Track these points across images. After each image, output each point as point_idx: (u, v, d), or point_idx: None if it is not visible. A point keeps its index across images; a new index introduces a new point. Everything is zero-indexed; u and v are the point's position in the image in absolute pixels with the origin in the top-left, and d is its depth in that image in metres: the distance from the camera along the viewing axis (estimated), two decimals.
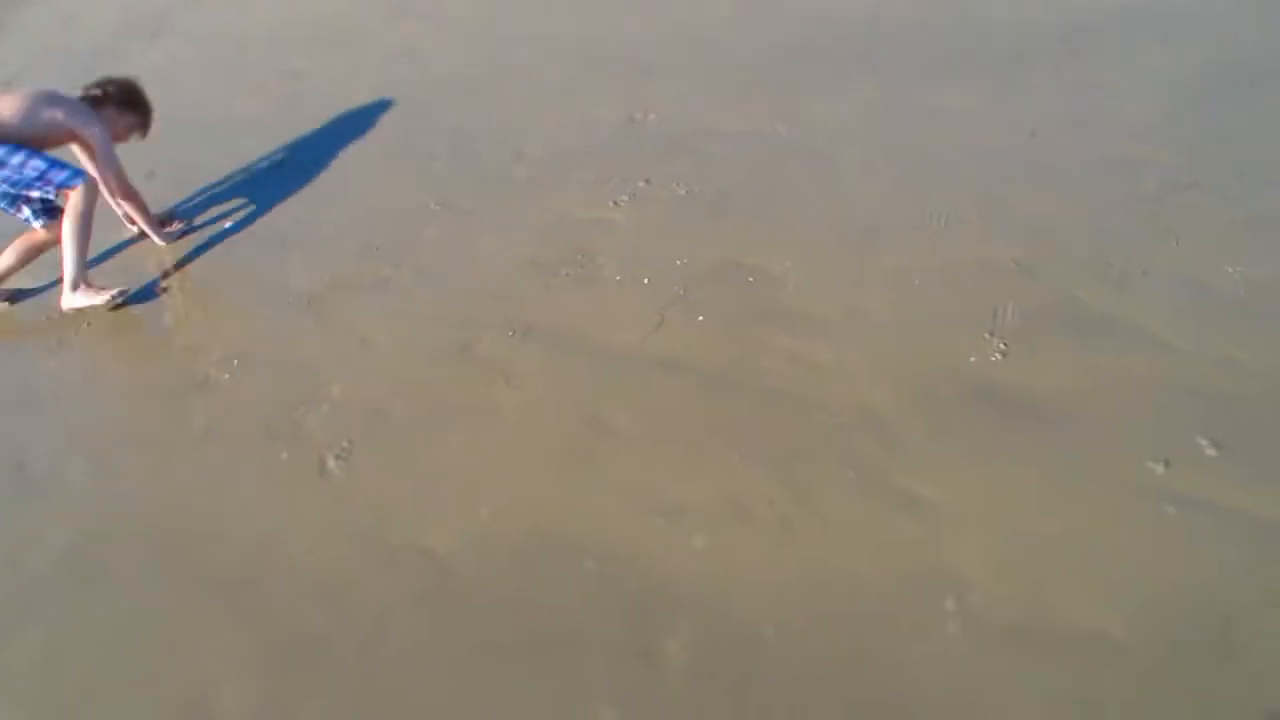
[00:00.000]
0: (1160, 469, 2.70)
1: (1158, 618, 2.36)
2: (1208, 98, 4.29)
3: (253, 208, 4.65)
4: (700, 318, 3.48)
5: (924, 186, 3.98)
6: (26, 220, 4.29)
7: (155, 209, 4.63)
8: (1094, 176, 3.90)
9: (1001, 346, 3.16)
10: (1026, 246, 3.57)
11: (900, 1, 5.42)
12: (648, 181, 4.26)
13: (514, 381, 3.37)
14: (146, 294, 4.22)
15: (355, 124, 5.20)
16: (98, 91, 4.39)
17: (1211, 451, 2.73)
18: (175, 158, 5.17)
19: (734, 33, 5.50)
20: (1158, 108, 4.25)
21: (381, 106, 5.38)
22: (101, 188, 4.29)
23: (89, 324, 4.09)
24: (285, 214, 4.56)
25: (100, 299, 4.07)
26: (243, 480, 3.20)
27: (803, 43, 5.25)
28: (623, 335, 3.47)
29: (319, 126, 5.28)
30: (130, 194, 4.40)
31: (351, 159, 4.90)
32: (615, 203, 4.17)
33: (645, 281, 3.70)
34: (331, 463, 3.18)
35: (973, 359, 3.13)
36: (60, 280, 4.18)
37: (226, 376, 3.64)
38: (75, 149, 4.40)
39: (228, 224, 4.53)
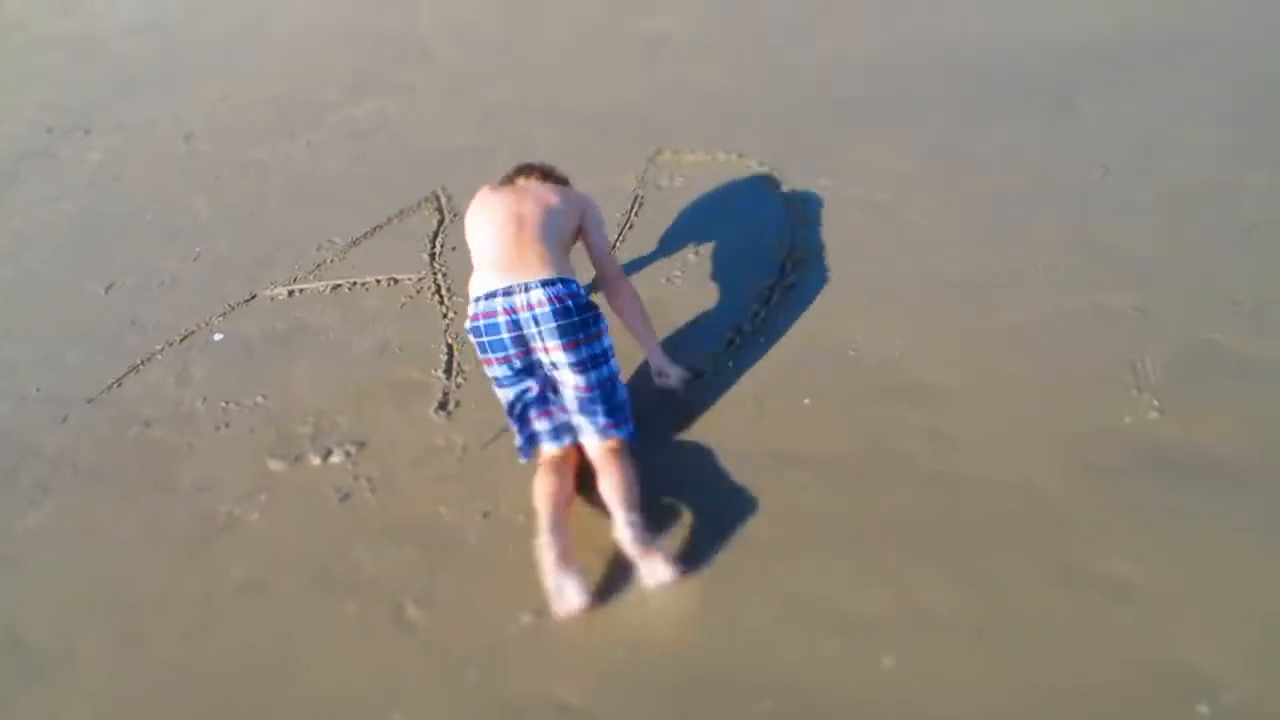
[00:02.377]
0: None
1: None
2: (1264, 117, 4.07)
3: (243, 315, 4.08)
4: (806, 400, 3.05)
5: (1006, 233, 3.68)
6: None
7: (121, 321, 4.07)
8: (1184, 208, 3.64)
9: (1155, 403, 2.84)
10: (1141, 290, 3.29)
11: (913, 43, 5.14)
12: (698, 253, 3.84)
13: None
14: (128, 422, 3.60)
15: (335, 211, 4.67)
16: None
17: None
18: (138, 263, 4.60)
19: (744, 85, 5.16)
20: (1220, 131, 4.03)
21: (362, 187, 4.88)
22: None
23: (74, 467, 3.46)
24: (283, 316, 4.01)
25: None
26: (305, 640, 2.64)
27: (821, 92, 4.93)
28: (724, 427, 3.02)
29: (291, 219, 4.75)
30: None
31: (342, 248, 4.38)
32: (668, 279, 3.74)
33: (730, 364, 3.27)
34: (411, 610, 2.64)
35: (1128, 419, 2.81)
36: None
37: (255, 516, 3.07)
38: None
39: (217, 335, 3.97)
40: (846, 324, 3.37)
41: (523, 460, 2.98)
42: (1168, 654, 2.23)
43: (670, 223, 4.11)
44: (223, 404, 3.55)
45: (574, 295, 2.99)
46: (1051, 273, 3.44)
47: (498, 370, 3.03)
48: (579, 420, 2.96)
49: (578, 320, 2.97)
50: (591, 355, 2.99)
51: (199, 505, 3.14)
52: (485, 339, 3.01)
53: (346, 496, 3.07)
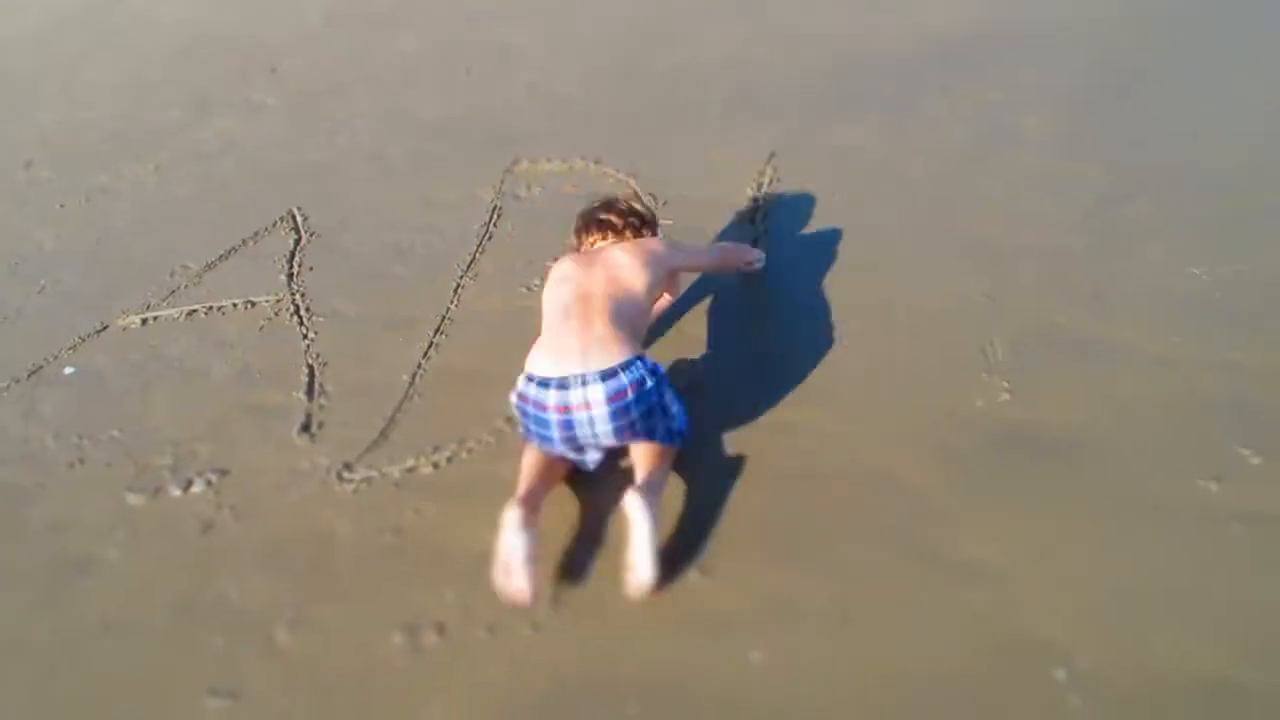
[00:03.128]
0: (1214, 487, 2.61)
1: (1267, 645, 2.24)
2: (1100, 107, 4.30)
3: (95, 346, 3.96)
4: None
5: (859, 228, 3.78)
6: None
7: None
8: (1027, 197, 3.80)
9: (1005, 385, 2.98)
10: (989, 277, 3.42)
11: (765, 42, 5.27)
12: (556, 259, 3.86)
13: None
14: None
15: (188, 235, 4.56)
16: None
17: (1256, 460, 2.66)
18: None
19: (597, 92, 5.21)
20: (1058, 121, 4.23)
21: (215, 209, 4.77)
22: None
23: None
24: (137, 346, 3.90)
25: None
26: (170, 677, 2.59)
27: (675, 97, 5.01)
28: None
29: (142, 245, 4.61)
30: None
31: (196, 272, 4.28)
32: (528, 288, 3.77)
33: None
34: (281, 636, 2.62)
35: (980, 403, 2.95)
36: None
37: (114, 553, 2.98)
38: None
39: (68, 369, 3.84)
40: (701, 324, 3.44)
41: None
42: (1022, 626, 2.34)
43: (529, 232, 4.13)
44: (75, 439, 3.45)
45: (638, 384, 2.73)
46: (903, 264, 3.57)
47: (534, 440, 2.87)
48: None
49: (637, 416, 2.74)
50: (647, 430, 2.81)
51: (53, 546, 3.04)
52: (533, 428, 2.82)
53: (209, 527, 3.02)
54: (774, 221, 3.93)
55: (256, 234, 4.48)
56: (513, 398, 2.85)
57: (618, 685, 2.37)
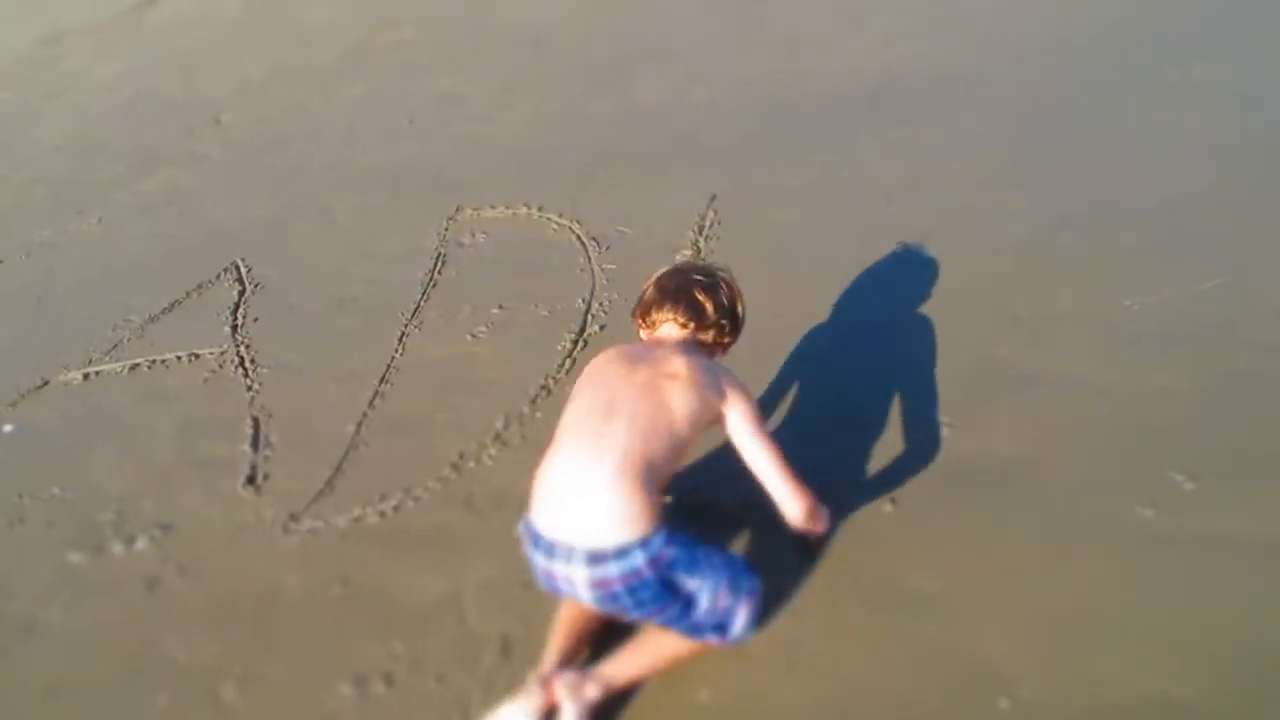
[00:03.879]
0: (1150, 513, 2.67)
1: (1206, 664, 2.29)
2: (1029, 144, 4.43)
3: (36, 403, 3.92)
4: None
5: (796, 269, 3.86)
6: None
7: None
8: (960, 232, 3.90)
9: (946, 419, 3.03)
10: (927, 311, 3.49)
11: (697, 93, 5.36)
12: (502, 307, 3.91)
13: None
14: None
15: (131, 288, 4.54)
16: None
17: (1190, 485, 2.73)
18: None
19: (538, 138, 5.26)
20: (985, 159, 4.34)
21: (159, 262, 4.75)
22: None
23: None
24: (79, 401, 3.87)
25: None
26: None
27: (615, 142, 5.08)
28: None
29: (84, 300, 4.58)
30: None
31: (139, 326, 4.25)
32: (473, 335, 3.79)
33: (538, 416, 3.34)
34: (228, 693, 2.60)
35: (921, 436, 2.98)
36: None
37: (57, 615, 2.95)
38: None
39: (7, 427, 3.80)
40: None
41: None
42: (968, 657, 2.38)
43: (474, 279, 4.16)
44: (16, 498, 3.41)
45: (629, 577, 2.21)
46: (840, 304, 3.64)
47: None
48: None
49: (630, 605, 2.26)
50: (655, 618, 2.32)
51: None
52: (531, 564, 2.39)
53: (155, 584, 2.99)
54: (715, 262, 3.98)
55: (200, 286, 4.47)
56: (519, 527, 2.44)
57: None
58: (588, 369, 2.54)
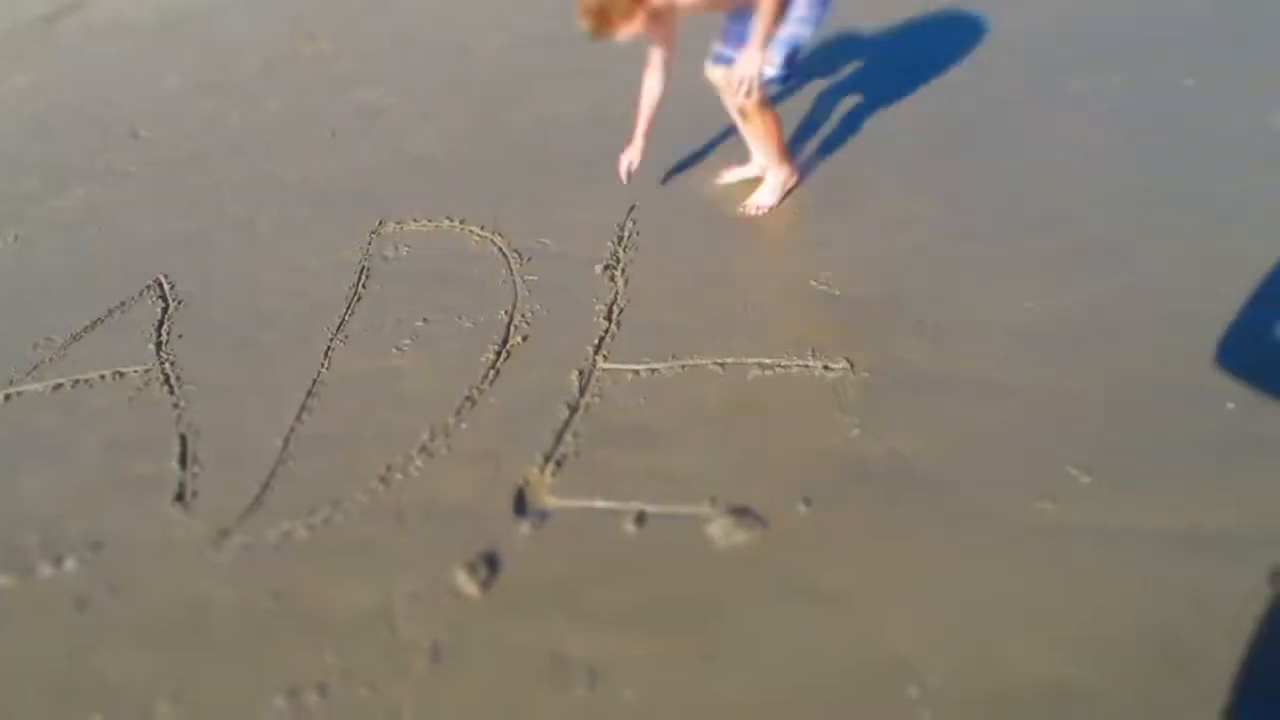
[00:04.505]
0: (1048, 506, 2.81)
1: (1102, 647, 2.45)
2: (937, 153, 4.60)
3: None
4: (539, 462, 3.24)
5: (716, 280, 3.98)
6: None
7: None
8: (871, 240, 4.05)
9: (856, 421, 3.17)
10: (836, 317, 3.63)
11: (617, 106, 5.45)
12: (426, 320, 3.98)
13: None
14: None
15: (51, 307, 4.51)
16: None
17: (1085, 479, 2.87)
18: None
19: (460, 151, 5.33)
20: (897, 167, 4.50)
21: (79, 280, 4.72)
22: None
23: None
24: (0, 423, 3.87)
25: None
26: None
27: (536, 154, 5.17)
28: (460, 489, 3.18)
29: (2, 320, 4.55)
30: None
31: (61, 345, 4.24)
32: (398, 348, 3.85)
33: (463, 427, 3.42)
34: (162, 708, 2.66)
35: (835, 440, 3.12)
36: None
37: None
38: None
39: None
40: (566, 374, 3.58)
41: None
42: (877, 649, 2.52)
43: (397, 293, 4.22)
44: None
45: None
46: (758, 313, 3.76)
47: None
48: None
49: None
50: None
51: None
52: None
53: (84, 604, 3.02)
54: (634, 271, 4.10)
55: (123, 304, 4.47)
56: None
57: None
58: None
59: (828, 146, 4.83)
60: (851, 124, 5.02)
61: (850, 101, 5.26)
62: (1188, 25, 5.61)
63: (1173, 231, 3.89)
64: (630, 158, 4.34)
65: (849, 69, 5.63)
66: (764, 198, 4.34)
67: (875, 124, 4.99)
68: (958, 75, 5.42)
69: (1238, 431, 2.99)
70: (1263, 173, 4.16)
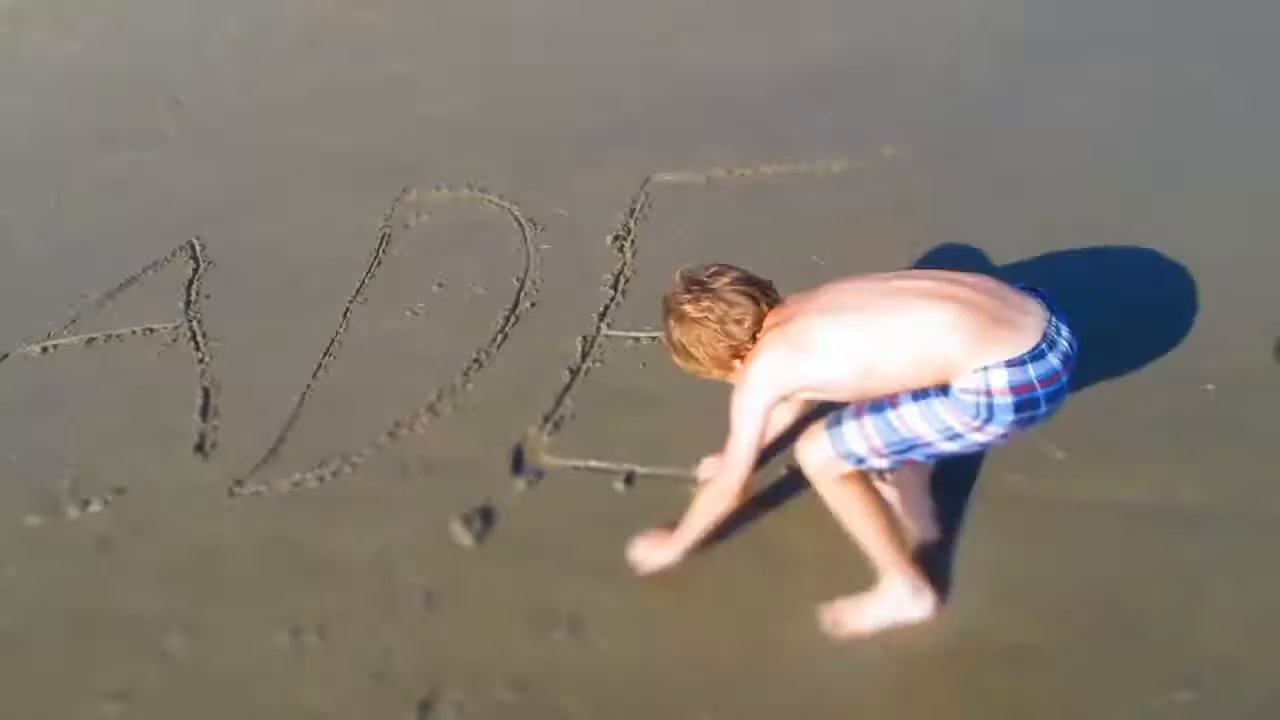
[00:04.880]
0: (1020, 479, 2.89)
1: (1062, 615, 2.58)
2: (950, 129, 4.66)
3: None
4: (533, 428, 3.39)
5: (728, 254, 4.05)
6: None
7: None
8: (882, 219, 4.17)
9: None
10: None
11: (641, 83, 5.59)
12: (441, 285, 4.12)
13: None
14: None
15: (89, 265, 4.70)
16: None
17: (1060, 455, 2.95)
18: None
19: (486, 123, 5.46)
20: (910, 143, 4.59)
21: (116, 239, 4.91)
22: None
23: None
24: (37, 373, 4.06)
25: None
26: (64, 686, 2.77)
27: (560, 127, 5.29)
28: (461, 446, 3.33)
29: (43, 275, 4.75)
30: None
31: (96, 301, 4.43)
32: (412, 311, 4.01)
33: (469, 387, 3.58)
34: (174, 640, 2.86)
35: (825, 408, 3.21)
36: None
37: (13, 572, 3.15)
38: None
39: None
40: (563, 341, 3.71)
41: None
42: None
43: (416, 258, 4.38)
44: None
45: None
46: None
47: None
48: None
49: None
50: None
51: None
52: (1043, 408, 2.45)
53: (107, 543, 3.21)
54: (642, 243, 4.22)
55: (156, 263, 4.65)
56: (993, 398, 2.37)
57: (493, 676, 2.62)
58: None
59: (838, 127, 4.89)
60: (861, 104, 5.07)
61: (859, 84, 5.31)
62: None
63: (1159, 213, 3.96)
64: (654, 558, 2.78)
65: (868, 43, 5.68)
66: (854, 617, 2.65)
67: (885, 102, 5.05)
68: (967, 51, 5.45)
69: (1215, 413, 3.07)
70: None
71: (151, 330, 4.20)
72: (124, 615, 2.96)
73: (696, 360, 2.64)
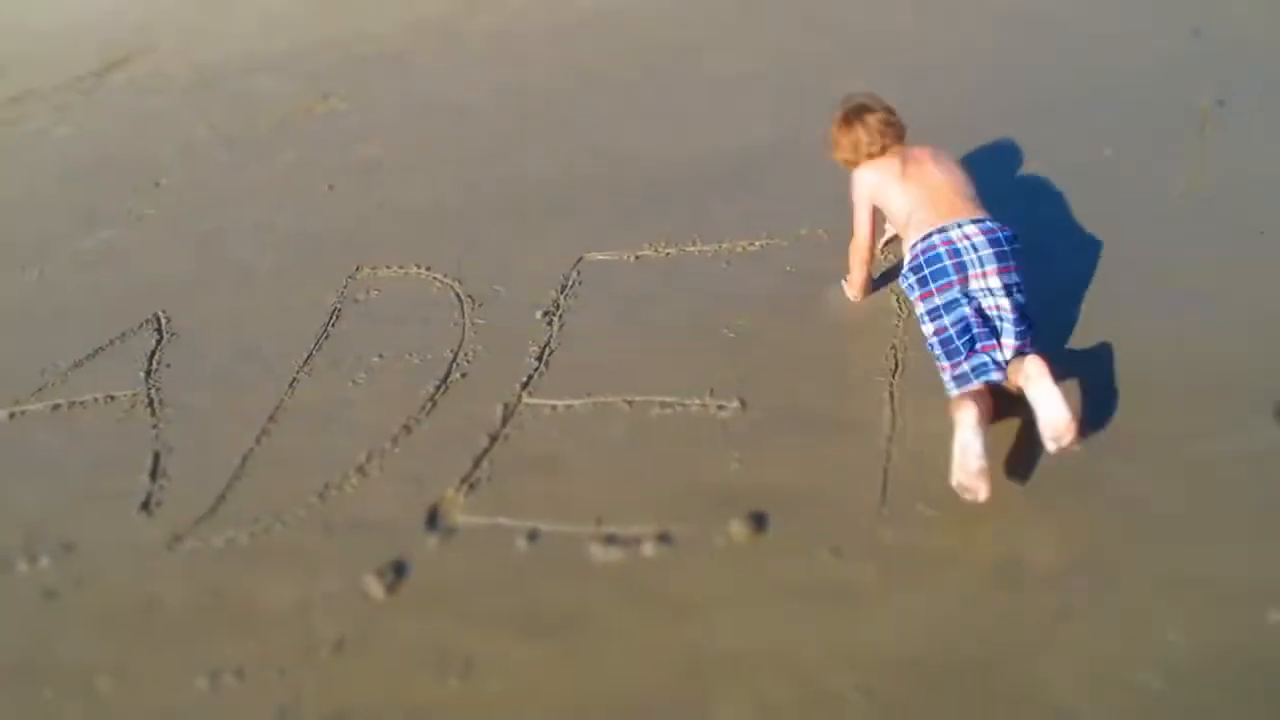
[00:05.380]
0: (890, 534, 3.15)
1: (904, 662, 2.82)
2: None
3: None
4: (451, 488, 3.65)
5: (639, 322, 4.39)
6: None
7: None
8: (785, 293, 4.43)
9: (737, 455, 3.54)
10: (740, 361, 4.01)
11: (581, 165, 5.94)
12: (382, 356, 4.41)
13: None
14: None
15: (63, 337, 5.01)
16: None
17: (931, 513, 3.20)
18: None
19: (437, 205, 5.80)
20: (820, 222, 4.88)
21: (90, 313, 5.22)
22: None
23: None
24: (3, 437, 4.35)
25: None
26: None
27: (504, 207, 5.63)
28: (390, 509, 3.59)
29: (18, 347, 5.06)
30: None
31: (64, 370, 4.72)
32: (354, 381, 4.29)
33: (397, 451, 3.85)
34: (102, 684, 3.10)
35: (715, 476, 3.50)
36: None
37: None
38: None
39: None
40: (495, 413, 3.99)
41: (954, 392, 3.41)
42: (712, 655, 2.92)
43: (361, 331, 4.67)
44: None
45: (1000, 228, 3.69)
46: (670, 356, 4.15)
47: (936, 300, 3.62)
48: (1007, 342, 3.47)
49: (1006, 249, 3.63)
50: (1014, 282, 3.62)
51: None
52: (927, 270, 3.65)
53: (52, 595, 3.47)
54: (569, 317, 4.51)
55: (123, 335, 4.95)
56: (907, 265, 3.78)
57: (390, 716, 2.88)
58: (878, 180, 4.01)
59: (754, 206, 5.19)
60: (779, 183, 5.39)
61: (782, 166, 5.64)
62: None
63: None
64: (847, 294, 4.33)
65: (791, 129, 6.03)
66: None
67: (798, 182, 5.36)
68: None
69: (1077, 469, 3.32)
70: None
71: (112, 397, 4.48)
72: (62, 661, 3.22)
73: (834, 149, 4.12)
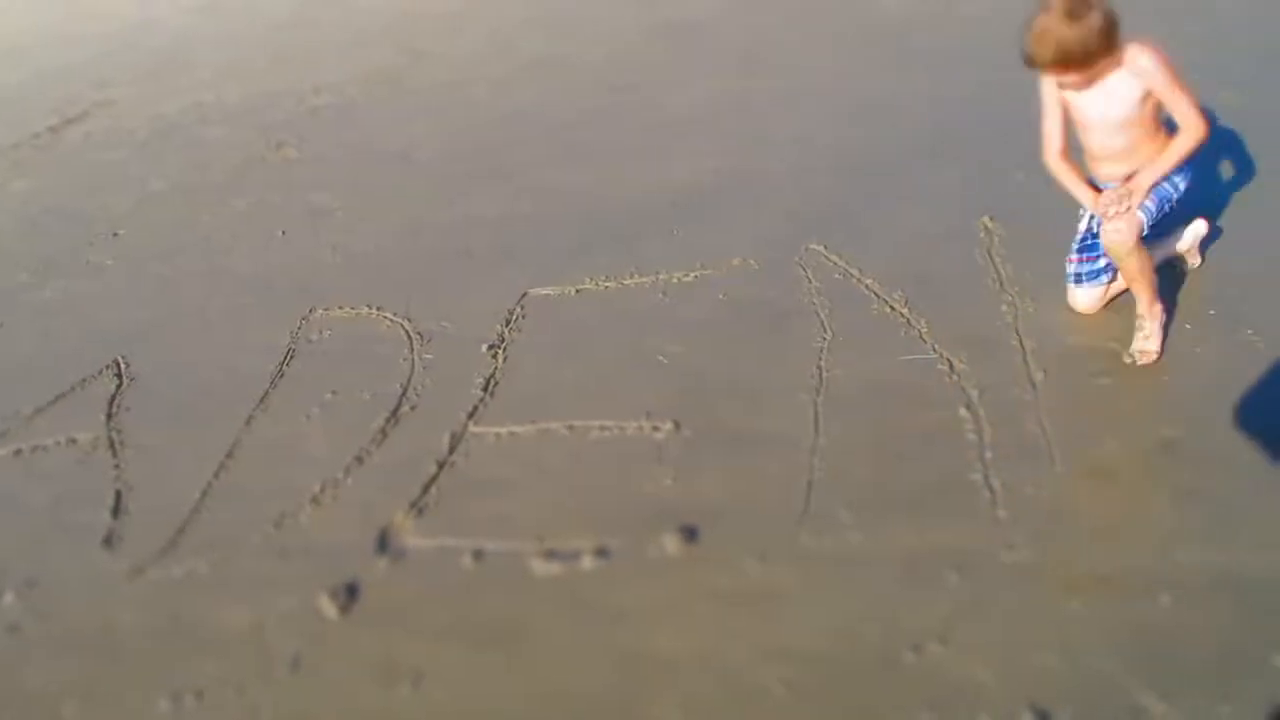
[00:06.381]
0: (811, 540, 3.37)
1: (821, 656, 3.04)
2: (798, 239, 5.25)
3: None
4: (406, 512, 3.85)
5: (579, 357, 4.60)
6: None
7: None
8: (720, 322, 4.68)
9: (671, 473, 3.77)
10: (682, 389, 4.24)
11: (525, 204, 6.19)
12: (334, 393, 4.61)
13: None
14: None
15: (25, 385, 5.16)
16: None
17: (848, 517, 3.43)
18: None
19: (387, 247, 6.02)
20: (757, 251, 5.14)
21: (51, 361, 5.37)
22: None
23: None
24: None
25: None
26: None
27: (451, 248, 5.86)
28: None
29: None
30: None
31: (26, 420, 4.88)
32: (307, 416, 4.48)
33: (349, 481, 4.04)
34: (67, 710, 3.25)
35: (649, 488, 3.72)
36: None
37: None
38: None
39: None
40: (443, 441, 4.19)
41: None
42: (646, 659, 3.13)
43: (314, 370, 4.86)
44: None
45: None
46: (608, 383, 4.38)
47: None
48: None
49: None
50: None
51: None
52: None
53: (15, 629, 3.62)
54: (513, 350, 4.74)
55: (84, 381, 5.11)
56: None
57: None
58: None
59: (692, 240, 5.46)
60: (723, 218, 5.66)
61: (726, 200, 5.91)
62: None
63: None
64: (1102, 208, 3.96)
65: (732, 165, 6.31)
66: (1152, 344, 4.00)
67: (744, 216, 5.64)
68: (827, 166, 6.06)
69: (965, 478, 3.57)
70: None
71: (74, 440, 4.64)
72: (27, 690, 3.36)
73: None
